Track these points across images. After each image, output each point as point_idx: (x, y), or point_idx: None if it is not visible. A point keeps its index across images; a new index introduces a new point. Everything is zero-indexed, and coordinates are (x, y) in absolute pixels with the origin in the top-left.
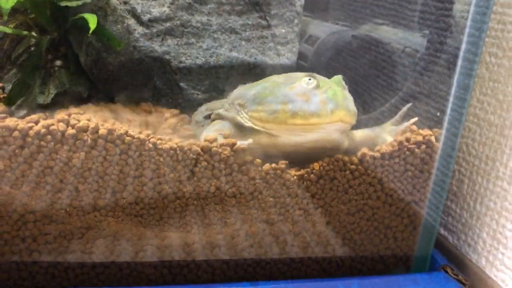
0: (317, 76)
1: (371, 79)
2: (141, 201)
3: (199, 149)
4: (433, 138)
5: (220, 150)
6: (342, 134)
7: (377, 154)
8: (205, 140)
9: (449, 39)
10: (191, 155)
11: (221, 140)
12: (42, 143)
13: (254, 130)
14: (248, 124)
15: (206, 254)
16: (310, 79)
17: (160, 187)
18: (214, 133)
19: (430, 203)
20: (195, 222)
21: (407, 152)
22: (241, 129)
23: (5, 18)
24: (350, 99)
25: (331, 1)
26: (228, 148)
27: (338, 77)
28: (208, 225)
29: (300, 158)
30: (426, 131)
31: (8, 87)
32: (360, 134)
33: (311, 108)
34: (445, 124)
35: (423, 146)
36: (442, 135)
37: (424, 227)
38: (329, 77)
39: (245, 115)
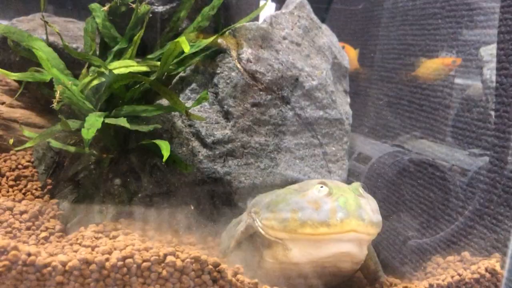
0: (331, 182)
1: (431, 205)
2: None
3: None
4: (497, 266)
5: None
6: (362, 248)
7: (443, 283)
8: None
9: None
10: None
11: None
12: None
13: (269, 242)
14: (262, 232)
15: None
16: (322, 187)
17: None
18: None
19: None
20: None
21: (472, 281)
22: (257, 243)
23: (87, 150)
24: (367, 207)
25: (366, 115)
26: None
27: (356, 184)
28: None
29: (315, 278)
30: (488, 261)
31: (63, 203)
32: (374, 263)
33: (320, 217)
34: (509, 250)
35: (488, 275)
36: (506, 262)
37: None
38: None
39: (259, 223)
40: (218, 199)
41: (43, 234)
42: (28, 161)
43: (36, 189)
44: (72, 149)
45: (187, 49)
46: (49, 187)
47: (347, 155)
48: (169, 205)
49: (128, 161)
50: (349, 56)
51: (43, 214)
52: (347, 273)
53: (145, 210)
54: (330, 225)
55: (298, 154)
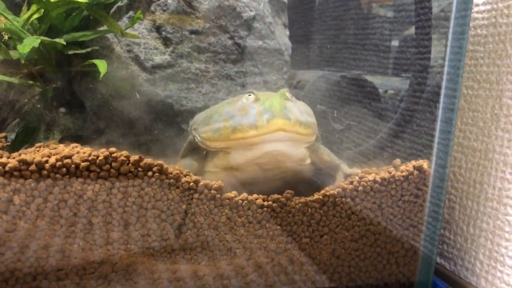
0: (260, 92)
1: (360, 117)
2: None
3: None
4: (425, 165)
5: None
6: (296, 147)
7: (375, 179)
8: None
9: (428, 80)
10: None
11: None
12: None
13: (210, 152)
14: (202, 145)
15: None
16: (250, 95)
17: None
18: None
19: (425, 235)
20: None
21: (401, 178)
22: (203, 156)
23: (22, 61)
24: (294, 109)
25: (310, 57)
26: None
27: (283, 90)
28: (212, 254)
29: (263, 182)
30: (416, 162)
31: (11, 136)
32: (327, 156)
33: (249, 121)
34: (433, 158)
35: (416, 172)
36: (431, 168)
37: (423, 253)
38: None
39: (199, 137)
40: (161, 121)
41: None
42: None
43: None
44: (16, 80)
45: None
46: None
47: (287, 84)
48: (113, 126)
49: (71, 89)
50: None
51: None
52: (295, 171)
53: (89, 132)
54: (258, 127)
55: (239, 82)
